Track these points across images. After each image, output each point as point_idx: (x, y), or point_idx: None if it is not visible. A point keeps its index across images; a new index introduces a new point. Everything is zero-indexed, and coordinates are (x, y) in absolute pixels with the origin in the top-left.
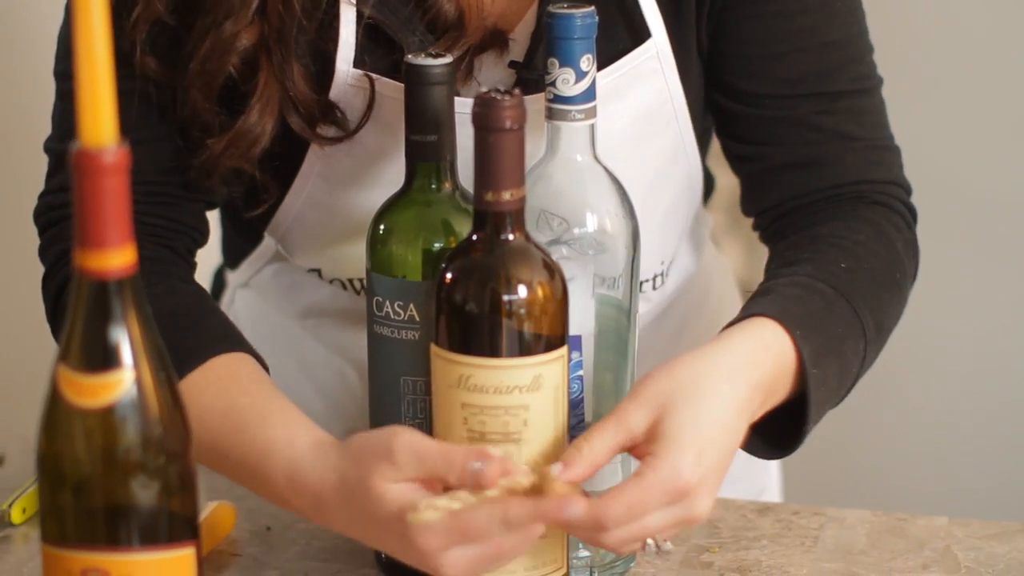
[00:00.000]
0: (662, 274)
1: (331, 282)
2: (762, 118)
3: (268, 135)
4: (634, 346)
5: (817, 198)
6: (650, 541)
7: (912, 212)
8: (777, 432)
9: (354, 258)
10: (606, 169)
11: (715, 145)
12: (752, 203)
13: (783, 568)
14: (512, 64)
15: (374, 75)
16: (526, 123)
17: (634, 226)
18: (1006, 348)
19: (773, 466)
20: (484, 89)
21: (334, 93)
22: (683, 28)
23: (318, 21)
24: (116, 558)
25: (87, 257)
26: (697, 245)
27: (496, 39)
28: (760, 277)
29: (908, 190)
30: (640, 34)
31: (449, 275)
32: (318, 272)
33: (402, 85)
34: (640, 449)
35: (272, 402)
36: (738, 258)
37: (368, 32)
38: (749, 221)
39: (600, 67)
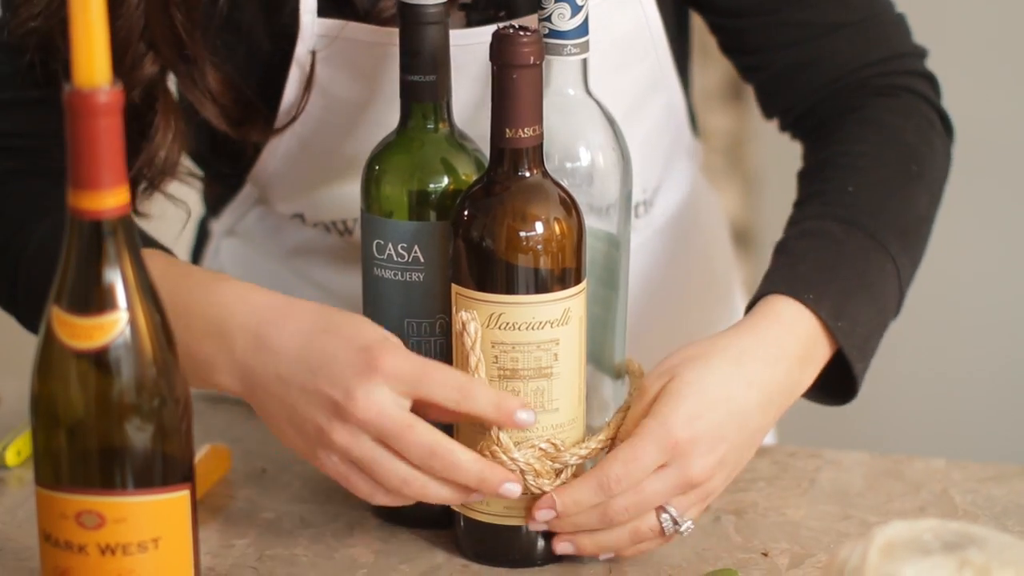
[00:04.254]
0: (645, 202)
1: (314, 226)
2: (750, 28)
3: (178, 159)
4: (626, 280)
5: (824, 95)
6: (665, 516)
7: (928, 78)
8: (834, 382)
9: (336, 201)
10: (599, 103)
11: (702, 86)
12: (767, 109)
13: (779, 510)
14: (462, 6)
15: (343, 21)
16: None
17: (626, 160)
18: (1004, 291)
19: None
20: (502, 25)
21: (302, 49)
22: None
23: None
24: (110, 500)
25: (81, 198)
26: (685, 175)
27: None
28: (757, 220)
29: (918, 55)
30: None
31: (474, 215)
32: (301, 217)
33: (371, 27)
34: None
35: (217, 275)
36: (736, 200)
37: None
38: (746, 164)
39: None
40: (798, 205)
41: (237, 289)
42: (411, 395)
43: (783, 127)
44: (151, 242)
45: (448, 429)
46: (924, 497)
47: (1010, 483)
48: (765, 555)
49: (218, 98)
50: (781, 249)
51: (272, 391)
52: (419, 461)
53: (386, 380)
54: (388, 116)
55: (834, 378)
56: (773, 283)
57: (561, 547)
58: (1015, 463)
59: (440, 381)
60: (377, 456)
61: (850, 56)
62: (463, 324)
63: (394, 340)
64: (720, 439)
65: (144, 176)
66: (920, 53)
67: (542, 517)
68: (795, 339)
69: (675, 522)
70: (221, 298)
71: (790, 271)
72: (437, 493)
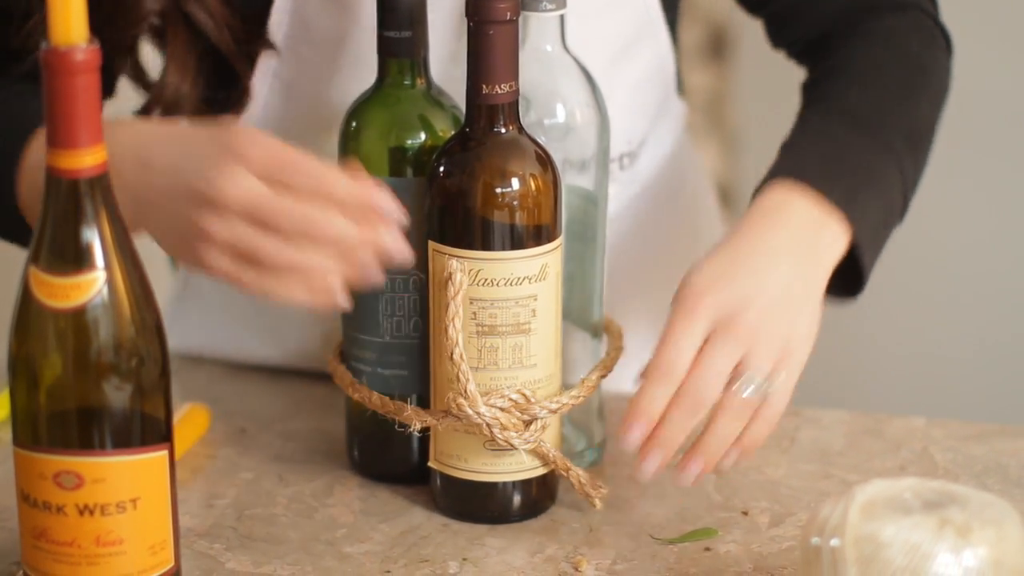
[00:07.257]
0: (630, 154)
1: None
2: None
3: (191, 98)
4: (603, 236)
5: (836, 21)
6: (744, 379)
7: (933, 2)
8: (844, 277)
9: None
10: (576, 59)
11: (684, 43)
12: (776, 39)
13: (759, 469)
14: None
15: None
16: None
17: (603, 116)
18: (986, 250)
19: None
20: None
21: None
22: None
23: None
24: (89, 461)
25: (58, 157)
26: (671, 135)
27: None
28: (738, 178)
29: None
30: None
31: (449, 171)
32: None
33: None
34: None
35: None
36: (716, 158)
37: None
38: (727, 122)
39: None
40: (802, 111)
41: (130, 125)
42: (271, 180)
43: (790, 55)
44: None
45: (425, 389)
46: (904, 456)
47: (991, 442)
48: (745, 514)
49: (221, 20)
50: (785, 147)
51: (154, 204)
52: (301, 213)
53: (248, 165)
54: (369, 55)
55: (839, 273)
56: (776, 172)
57: (683, 476)
58: (996, 422)
59: (301, 168)
60: (253, 234)
61: None
62: (450, 274)
63: (259, 131)
64: (750, 290)
65: (152, 112)
66: None
67: (635, 433)
68: (802, 208)
69: (748, 385)
70: (118, 137)
71: (795, 162)
72: (328, 230)
